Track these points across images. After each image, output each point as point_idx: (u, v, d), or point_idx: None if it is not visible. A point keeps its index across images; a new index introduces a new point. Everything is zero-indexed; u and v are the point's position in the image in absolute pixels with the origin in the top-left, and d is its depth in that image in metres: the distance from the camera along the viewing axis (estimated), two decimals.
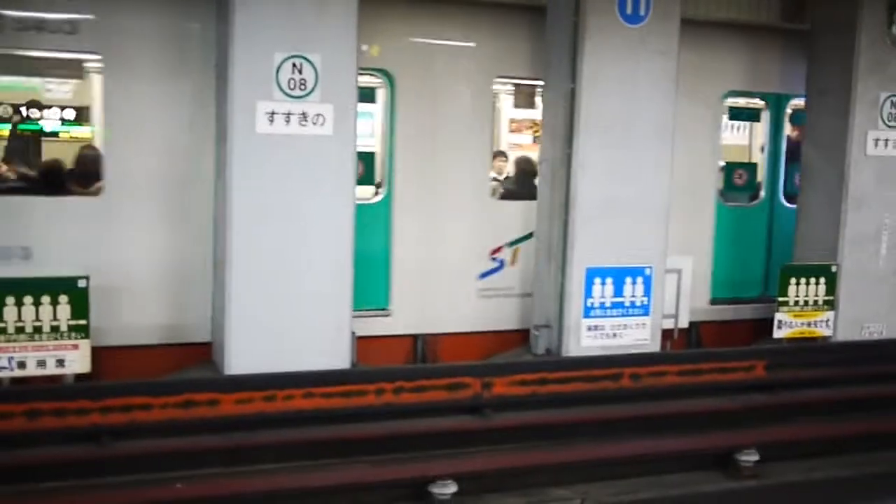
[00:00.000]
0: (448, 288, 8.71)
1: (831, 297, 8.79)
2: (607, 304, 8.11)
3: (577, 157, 8.00)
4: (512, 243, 8.88)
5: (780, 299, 8.61)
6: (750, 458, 7.55)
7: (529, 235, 8.69)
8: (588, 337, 8.09)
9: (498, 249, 8.84)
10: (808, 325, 8.73)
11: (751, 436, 7.71)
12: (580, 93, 7.96)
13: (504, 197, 9.38)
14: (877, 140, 8.91)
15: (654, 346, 8.36)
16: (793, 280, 8.63)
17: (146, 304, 7.66)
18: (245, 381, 6.81)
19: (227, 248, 7.06)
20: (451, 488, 5.79)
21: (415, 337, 8.73)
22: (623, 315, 8.16)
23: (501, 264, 8.86)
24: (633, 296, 8.15)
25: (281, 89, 6.95)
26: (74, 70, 8.08)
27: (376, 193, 8.61)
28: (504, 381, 7.39)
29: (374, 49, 8.20)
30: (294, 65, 6.98)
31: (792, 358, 8.49)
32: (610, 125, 8.04)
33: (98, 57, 7.53)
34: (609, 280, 8.09)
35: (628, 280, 8.13)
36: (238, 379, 6.97)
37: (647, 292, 8.17)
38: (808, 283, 8.71)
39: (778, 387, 8.27)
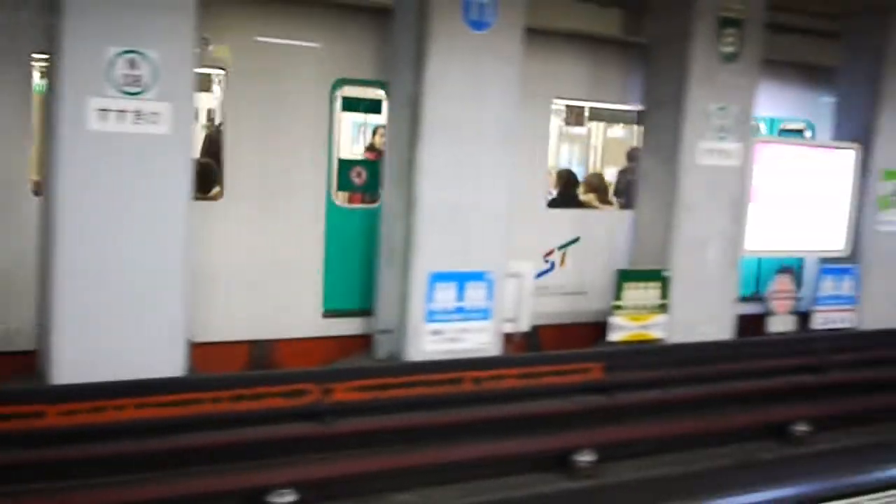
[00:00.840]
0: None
1: (665, 301, 9.09)
2: (449, 309, 8.13)
3: (420, 162, 7.99)
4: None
5: (616, 303, 8.85)
6: (587, 458, 7.74)
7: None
8: (430, 341, 8.09)
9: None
10: (643, 328, 9.00)
11: (588, 437, 7.89)
12: (425, 97, 7.95)
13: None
14: (706, 150, 9.28)
15: (496, 350, 8.44)
16: (628, 284, 8.88)
17: None
18: (72, 392, 6.48)
19: (53, 250, 6.70)
20: (289, 497, 5.68)
21: (251, 343, 8.50)
22: (465, 319, 8.19)
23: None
24: (475, 300, 8.20)
25: (114, 85, 6.65)
26: None
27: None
28: (345, 387, 7.31)
29: (220, 50, 7.96)
30: (129, 60, 6.69)
31: (627, 360, 8.73)
32: (454, 130, 8.07)
33: None
34: (451, 284, 8.11)
35: (470, 284, 8.17)
36: (64, 389, 6.62)
37: (488, 296, 8.24)
38: (642, 288, 8.97)
39: (614, 388, 8.49)
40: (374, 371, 7.84)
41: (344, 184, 8.97)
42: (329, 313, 8.77)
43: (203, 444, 6.59)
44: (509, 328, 8.68)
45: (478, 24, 7.98)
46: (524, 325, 8.77)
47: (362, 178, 9.03)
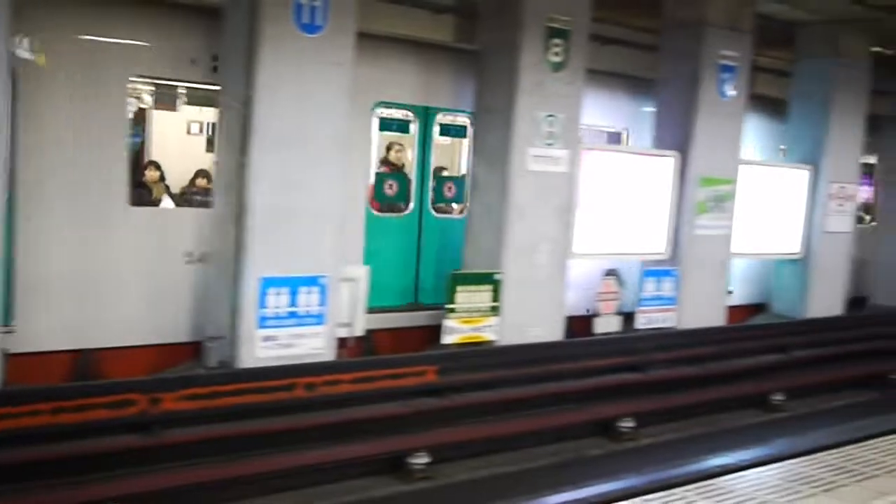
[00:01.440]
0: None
1: (496, 304, 9.26)
2: (282, 314, 8.01)
3: (252, 166, 7.85)
4: None
5: (449, 306, 8.94)
6: (421, 460, 7.79)
7: None
8: (263, 347, 7.95)
9: None
10: (476, 330, 9.14)
11: (422, 439, 7.94)
12: (256, 101, 7.82)
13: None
14: (535, 156, 9.51)
15: (330, 355, 8.37)
16: (460, 287, 8.99)
17: None
18: None
19: None
20: None
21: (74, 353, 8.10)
22: (298, 325, 8.09)
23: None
24: (309, 305, 8.11)
25: None
26: None
27: None
28: (173, 396, 7.10)
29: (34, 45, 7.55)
30: None
31: (460, 362, 8.84)
32: (286, 134, 7.96)
33: None
34: (284, 290, 8.00)
35: (303, 289, 8.08)
36: None
37: (322, 301, 8.17)
38: (474, 291, 9.11)
39: (448, 391, 8.59)
40: (204, 379, 7.64)
41: None
42: None
43: (19, 460, 6.26)
44: (344, 333, 8.63)
45: (309, 28, 7.91)
46: (358, 330, 8.73)
47: None
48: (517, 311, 9.54)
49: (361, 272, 8.68)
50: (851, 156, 13.23)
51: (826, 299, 13.18)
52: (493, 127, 9.63)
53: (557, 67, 9.51)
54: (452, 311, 8.98)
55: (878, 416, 10.63)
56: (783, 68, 13.72)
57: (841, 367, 12.01)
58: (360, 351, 9.19)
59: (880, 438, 6.66)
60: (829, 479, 5.48)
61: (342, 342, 8.63)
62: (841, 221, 13.17)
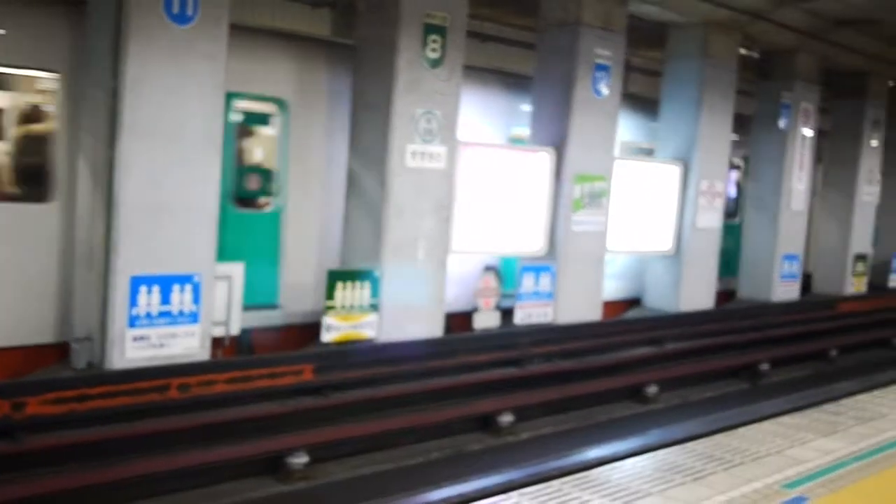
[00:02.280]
0: None
1: (375, 301, 9.20)
2: (154, 314, 7.76)
3: (120, 161, 7.58)
4: None
5: (328, 304, 8.84)
6: (300, 460, 7.69)
7: None
8: (134, 348, 7.68)
9: None
10: (355, 327, 9.06)
11: (301, 439, 7.85)
12: (125, 93, 7.56)
13: None
14: (413, 153, 9.49)
15: (205, 355, 8.16)
16: (339, 284, 8.90)
17: None
18: None
19: None
20: None
21: None
22: (171, 324, 7.86)
23: None
24: (182, 304, 7.89)
25: None
26: None
27: None
28: (38, 400, 6.80)
29: None
30: None
31: (339, 360, 8.76)
32: (156, 128, 7.72)
33: None
34: (156, 288, 7.75)
35: (176, 288, 7.85)
36: None
37: (195, 300, 7.96)
38: (353, 288, 9.03)
39: (327, 389, 8.49)
40: (71, 382, 7.34)
41: None
42: None
43: None
44: (219, 332, 8.42)
45: (180, 18, 7.69)
46: (234, 329, 8.54)
47: None
48: (396, 307, 9.50)
49: (237, 269, 8.48)
50: (720, 154, 13.68)
51: (697, 293, 13.60)
52: (370, 123, 9.57)
53: (435, 64, 9.51)
54: (331, 308, 8.88)
55: (747, 405, 11.04)
56: (656, 68, 14.12)
57: (712, 358, 12.41)
58: (236, 350, 9.00)
59: (748, 427, 6.89)
60: (700, 467, 5.63)
61: (218, 341, 8.43)
62: (711, 217, 13.61)
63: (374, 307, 9.20)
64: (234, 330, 8.55)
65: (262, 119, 9.88)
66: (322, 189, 10.04)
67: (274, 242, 9.77)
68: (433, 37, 9.46)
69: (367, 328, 9.18)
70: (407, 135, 9.44)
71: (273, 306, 9.66)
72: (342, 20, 10.28)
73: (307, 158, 9.90)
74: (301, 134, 9.81)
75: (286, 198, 9.80)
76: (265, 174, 9.79)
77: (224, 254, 8.53)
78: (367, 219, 9.60)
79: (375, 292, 9.19)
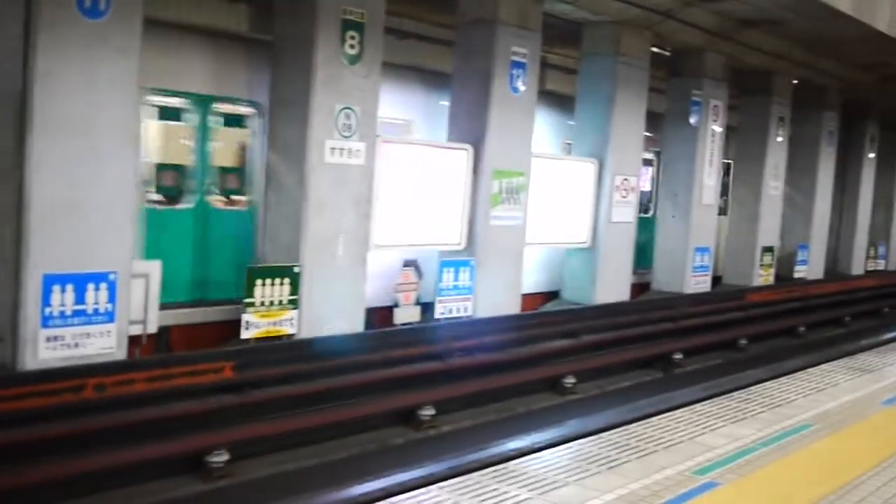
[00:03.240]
0: None
1: (295, 297, 9.18)
2: (68, 313, 7.61)
3: (32, 157, 7.41)
4: None
5: (247, 300, 8.80)
6: (220, 458, 7.65)
7: None
8: (47, 348, 7.52)
9: None
10: (275, 324, 9.03)
11: (222, 437, 7.81)
12: (35, 88, 7.39)
13: None
14: (333, 149, 9.49)
15: (122, 354, 8.04)
16: (259, 281, 8.86)
17: None
18: None
19: None
20: None
21: None
22: (86, 323, 7.72)
23: None
24: (97, 303, 7.76)
25: None
26: None
27: None
28: None
29: None
30: None
31: (259, 357, 8.72)
32: (70, 124, 7.55)
33: None
34: (69, 287, 7.60)
35: (90, 286, 7.71)
36: None
37: (111, 298, 7.83)
38: (273, 284, 9.00)
39: (247, 386, 8.45)
40: None
41: None
42: None
43: None
44: (136, 330, 8.31)
45: (91, 13, 7.53)
46: (152, 327, 8.44)
47: None
48: (317, 303, 9.50)
49: (153, 267, 8.38)
50: (634, 150, 13.98)
51: (613, 286, 13.88)
52: (289, 119, 9.54)
53: (353, 60, 9.53)
54: (251, 305, 8.83)
55: (661, 394, 11.35)
56: (572, 66, 14.34)
57: (627, 349, 12.70)
58: (153, 349, 8.90)
59: (661, 416, 7.11)
60: (614, 456, 5.80)
61: (134, 340, 8.32)
62: (625, 212, 13.90)
63: (295, 303, 9.18)
64: (152, 328, 8.44)
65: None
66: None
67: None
68: (351, 33, 9.47)
69: (288, 325, 9.15)
70: (326, 131, 9.43)
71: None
72: (259, 15, 10.19)
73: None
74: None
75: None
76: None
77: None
78: (286, 215, 9.57)
79: (295, 289, 9.17)
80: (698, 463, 5.74)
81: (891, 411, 7.47)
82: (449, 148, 11.28)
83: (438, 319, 10.75)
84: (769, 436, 6.47)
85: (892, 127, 22.76)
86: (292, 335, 9.23)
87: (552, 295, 14.24)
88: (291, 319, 9.17)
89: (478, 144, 11.34)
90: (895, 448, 6.29)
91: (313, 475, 8.11)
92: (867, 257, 22.36)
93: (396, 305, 10.57)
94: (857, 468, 5.78)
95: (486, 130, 11.32)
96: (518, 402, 10.61)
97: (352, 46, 9.48)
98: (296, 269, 9.22)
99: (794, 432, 6.60)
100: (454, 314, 10.99)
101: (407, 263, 10.69)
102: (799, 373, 9.15)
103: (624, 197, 13.79)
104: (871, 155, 22.04)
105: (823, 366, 9.56)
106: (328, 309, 9.61)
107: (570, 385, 11.06)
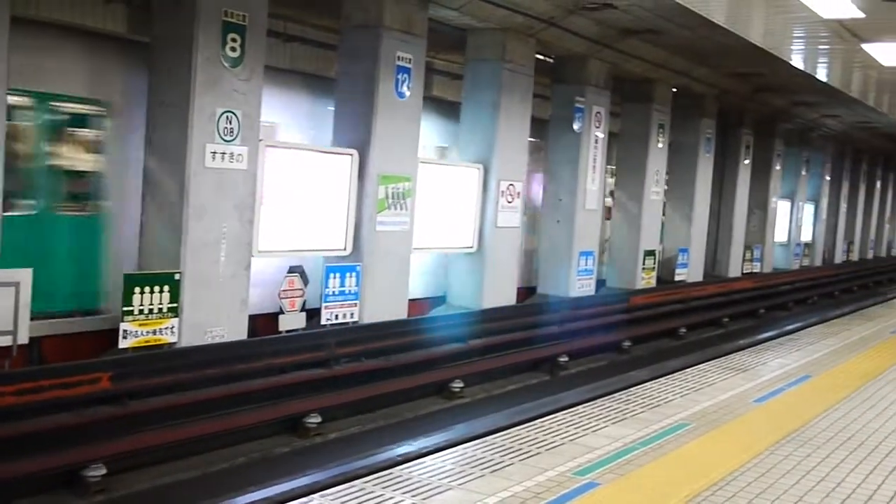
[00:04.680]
0: None
1: (175, 304, 8.95)
2: None
3: None
4: None
5: (125, 309, 8.53)
6: (97, 472, 7.43)
7: None
8: None
9: None
10: (154, 333, 8.78)
11: (99, 450, 7.59)
12: None
13: None
14: (214, 153, 9.30)
15: None
16: (137, 289, 8.60)
17: None
18: None
19: None
20: None
21: None
22: None
23: None
24: None
25: None
26: None
27: None
28: None
29: None
30: None
31: (138, 367, 8.47)
32: None
33: None
34: None
35: None
36: None
37: None
38: (152, 292, 8.75)
39: (125, 397, 8.20)
40: None
41: None
42: None
43: None
44: (4, 342, 7.96)
45: None
46: (22, 337, 8.09)
47: None
48: (198, 311, 9.27)
49: (24, 275, 8.03)
50: (519, 155, 14.14)
51: (499, 290, 14.00)
52: (168, 122, 9.29)
53: (235, 63, 9.36)
54: (129, 313, 8.56)
55: (546, 396, 11.52)
56: (458, 71, 14.43)
57: (514, 352, 12.84)
58: (24, 360, 8.54)
59: (546, 418, 7.20)
60: (498, 459, 5.85)
61: (3, 351, 7.97)
62: (510, 217, 14.05)
63: (175, 311, 8.95)
64: (22, 338, 8.09)
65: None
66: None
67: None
68: (232, 35, 9.29)
69: (168, 333, 8.91)
70: (207, 134, 9.22)
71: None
72: (137, 16, 9.91)
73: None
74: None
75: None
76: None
77: None
78: (165, 220, 9.32)
79: (176, 296, 8.94)
80: (580, 464, 5.83)
81: (762, 409, 7.74)
82: (334, 153, 11.19)
83: (324, 326, 10.65)
84: (648, 435, 6.63)
85: (765, 134, 23.66)
86: (173, 344, 8.99)
87: (439, 300, 14.28)
88: (172, 328, 8.93)
89: (363, 149, 11.28)
90: (765, 444, 6.52)
91: (195, 487, 7.95)
92: (744, 260, 23.16)
93: (281, 312, 10.42)
94: (730, 464, 5.97)
95: (371, 135, 11.27)
96: (406, 408, 10.62)
97: (233, 49, 9.31)
98: (176, 276, 8.98)
99: (671, 431, 6.77)
100: (340, 320, 10.91)
101: (292, 269, 10.54)
102: (678, 373, 9.40)
103: (510, 202, 13.94)
104: (747, 161, 22.84)
105: (702, 366, 9.85)
106: (210, 316, 9.40)
107: (457, 389, 11.13)
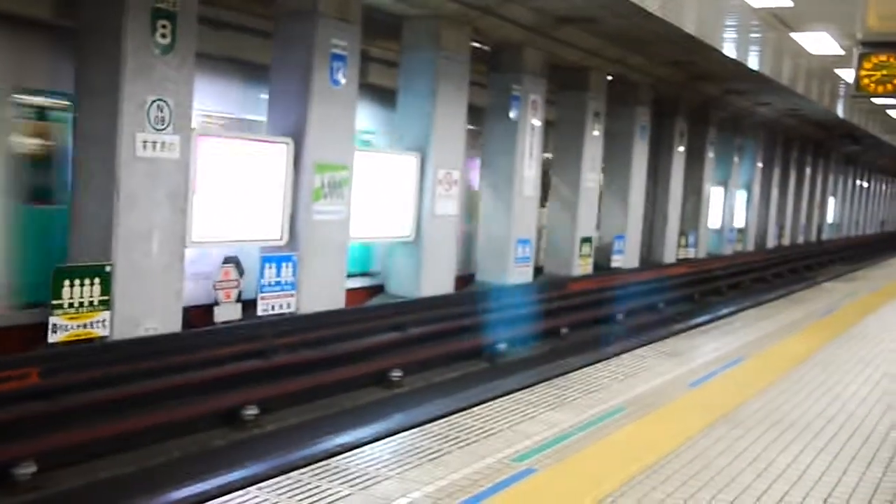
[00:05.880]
0: None
1: (107, 297, 8.77)
2: None
3: None
4: None
5: (55, 302, 8.34)
6: (27, 470, 7.26)
7: None
8: None
9: None
10: (85, 326, 8.60)
11: (28, 447, 7.41)
12: None
13: None
14: (145, 142, 9.13)
15: None
16: (67, 282, 8.41)
17: None
18: None
19: None
20: None
21: None
22: None
23: None
24: None
25: None
26: None
27: None
28: None
29: None
30: None
31: (68, 362, 8.29)
32: None
33: None
34: None
35: None
36: None
37: None
38: (82, 285, 8.56)
39: (55, 392, 8.03)
40: None
41: None
42: None
43: None
44: None
45: None
46: None
47: None
48: (130, 303, 9.11)
49: None
50: (456, 143, 14.14)
51: (437, 278, 14.01)
52: (97, 111, 9.10)
53: (165, 50, 9.18)
54: (59, 307, 8.37)
55: (485, 384, 11.53)
56: (394, 59, 14.36)
57: (453, 340, 12.84)
58: None
59: (485, 405, 7.21)
60: (437, 448, 5.84)
61: None
62: (448, 205, 14.05)
63: (107, 304, 8.77)
64: None
65: None
66: None
67: None
68: (162, 22, 9.12)
69: (100, 326, 8.74)
70: (137, 123, 9.05)
71: None
72: (64, 2, 9.67)
73: None
74: None
75: None
76: None
77: None
78: (96, 211, 9.12)
79: (107, 289, 8.77)
80: (517, 450, 5.85)
81: (697, 392, 7.85)
82: (269, 141, 11.07)
83: (261, 316, 10.54)
84: (585, 421, 6.67)
85: (699, 122, 24.00)
86: (105, 337, 8.82)
87: (377, 289, 14.23)
88: (103, 321, 8.76)
89: (299, 138, 11.18)
90: (699, 427, 6.61)
91: (130, 482, 7.81)
92: (679, 246, 23.49)
93: (217, 303, 10.28)
94: (665, 448, 6.04)
95: (306, 124, 11.17)
96: (345, 398, 10.55)
97: (163, 36, 9.14)
98: (107, 268, 8.81)
99: (608, 416, 6.83)
100: (277, 311, 10.80)
101: (227, 260, 10.41)
102: (615, 358, 9.49)
103: (447, 190, 13.93)
104: (681, 148, 23.14)
105: (637, 351, 9.95)
106: (143, 309, 9.25)
107: (396, 378, 11.09)
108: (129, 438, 8.39)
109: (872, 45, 11.51)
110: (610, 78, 18.77)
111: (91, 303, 8.64)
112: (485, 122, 16.07)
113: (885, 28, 11.17)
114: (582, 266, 18.17)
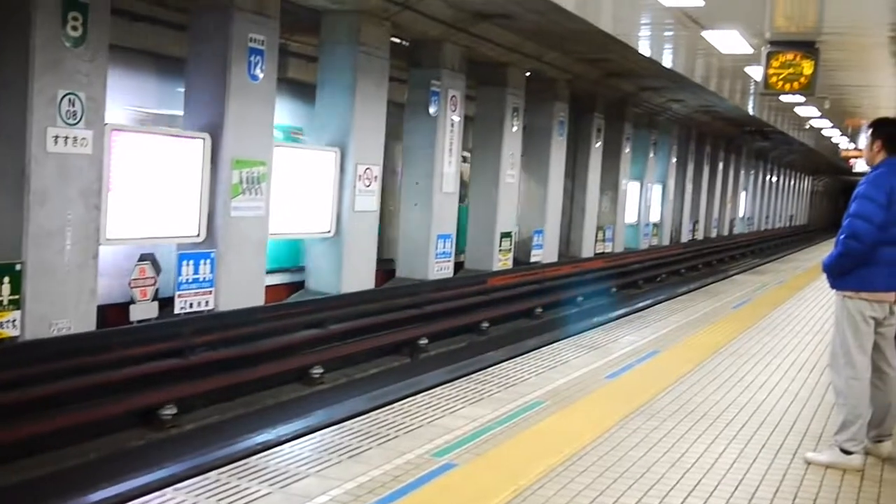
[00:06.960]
0: None
1: (17, 296, 8.55)
2: None
3: None
4: None
5: None
6: None
7: None
8: None
9: None
10: None
11: None
12: None
13: None
14: (56, 137, 8.91)
15: None
16: None
17: None
18: None
19: None
20: None
21: None
22: None
23: None
24: None
25: None
26: None
27: None
28: None
29: None
30: None
31: None
32: None
33: None
34: None
35: None
36: None
37: None
38: None
39: None
40: None
41: None
42: None
43: None
44: None
45: None
46: None
47: None
48: (42, 302, 8.90)
49: None
50: (375, 139, 14.11)
51: (358, 274, 13.98)
52: (7, 106, 8.84)
53: (77, 43, 8.97)
54: None
55: (407, 379, 11.56)
56: (313, 54, 14.27)
57: (374, 336, 12.83)
58: None
59: (405, 401, 7.23)
60: (356, 444, 5.84)
61: None
62: (368, 201, 14.02)
63: (17, 304, 8.55)
64: None
65: None
66: None
67: None
68: (73, 14, 8.90)
69: (9, 327, 8.51)
70: (48, 118, 8.83)
71: None
72: None
73: None
74: None
75: None
76: None
77: None
78: (6, 208, 8.87)
79: (17, 288, 8.54)
80: (437, 445, 5.88)
81: (614, 384, 7.99)
82: (185, 137, 10.90)
83: (178, 315, 10.39)
84: (504, 414, 6.74)
85: (615, 118, 24.38)
86: (16, 337, 8.60)
87: (297, 285, 14.15)
88: (14, 321, 8.53)
89: (216, 133, 11.03)
90: (616, 419, 6.74)
91: (42, 486, 7.63)
92: (596, 240, 23.84)
93: (133, 302, 10.10)
94: (583, 440, 6.14)
95: (224, 119, 11.04)
96: (266, 395, 10.47)
97: (74, 28, 8.93)
98: (17, 266, 8.58)
99: (527, 410, 6.91)
100: (195, 308, 10.65)
101: (143, 257, 10.22)
102: (534, 352, 9.58)
103: (367, 186, 13.91)
104: (598, 144, 23.48)
105: (556, 344, 10.07)
106: (55, 308, 9.03)
107: (317, 375, 11.05)
108: (43, 441, 8.20)
109: (780, 44, 11.84)
110: (528, 74, 18.94)
111: (0, 302, 8.41)
112: (405, 117, 16.07)
113: (791, 28, 11.50)
114: (502, 261, 18.31)
